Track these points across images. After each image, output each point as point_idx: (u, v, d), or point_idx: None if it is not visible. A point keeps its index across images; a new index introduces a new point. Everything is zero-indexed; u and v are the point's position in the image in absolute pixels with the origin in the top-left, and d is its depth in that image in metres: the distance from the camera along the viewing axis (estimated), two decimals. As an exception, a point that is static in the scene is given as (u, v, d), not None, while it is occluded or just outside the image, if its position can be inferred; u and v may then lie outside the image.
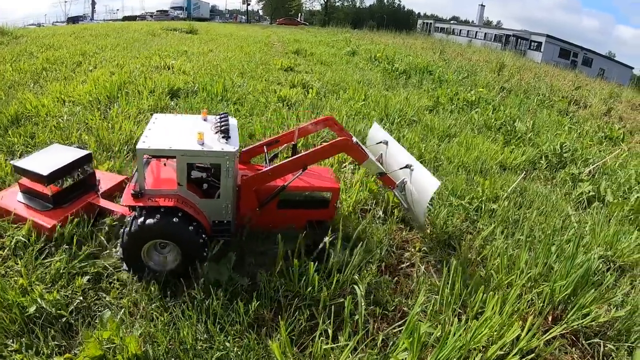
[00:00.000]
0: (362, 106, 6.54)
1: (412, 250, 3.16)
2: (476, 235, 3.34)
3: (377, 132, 3.48)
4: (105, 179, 3.36)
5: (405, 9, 68.34)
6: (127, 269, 2.56)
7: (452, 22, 50.22)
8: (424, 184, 2.82)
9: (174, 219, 2.40)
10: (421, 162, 3.24)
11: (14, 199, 2.96)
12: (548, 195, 4.38)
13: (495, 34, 45.79)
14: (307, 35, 22.12)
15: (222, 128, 2.57)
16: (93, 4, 49.76)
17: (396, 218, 3.41)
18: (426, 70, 10.91)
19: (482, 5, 54.42)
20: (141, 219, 2.39)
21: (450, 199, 3.78)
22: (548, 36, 43.07)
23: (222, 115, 2.76)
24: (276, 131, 4.60)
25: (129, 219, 2.48)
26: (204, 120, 2.78)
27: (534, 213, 3.85)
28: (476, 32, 46.58)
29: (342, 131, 3.19)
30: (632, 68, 43.77)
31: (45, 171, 2.79)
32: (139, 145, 2.37)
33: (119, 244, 2.54)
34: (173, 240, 2.48)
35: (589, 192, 4.82)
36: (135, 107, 5.29)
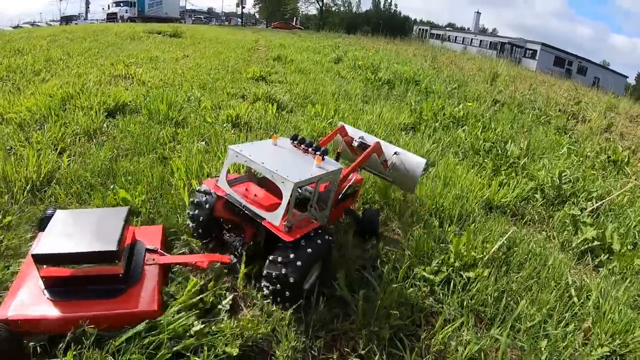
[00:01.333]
0: (329, 124, 5.54)
1: (343, 351, 2.15)
2: (437, 328, 2.33)
3: (349, 131, 3.43)
4: (141, 233, 2.48)
5: (402, 15, 67.67)
6: (289, 306, 2.15)
7: (447, 28, 49.56)
8: (412, 164, 3.21)
9: (327, 237, 2.26)
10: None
11: (40, 299, 1.90)
12: (542, 251, 3.39)
13: (491, 42, 45.18)
14: (296, 40, 21.17)
15: (315, 148, 2.51)
16: (87, 3, 48.47)
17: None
18: (412, 80, 9.95)
19: (478, 12, 53.82)
20: (307, 249, 2.11)
21: (412, 269, 2.78)
22: (543, 44, 42.44)
23: (298, 138, 2.61)
24: (202, 172, 3.62)
25: (233, 259, 2.34)
26: (275, 144, 2.55)
27: (522, 286, 2.86)
28: (471, 39, 45.99)
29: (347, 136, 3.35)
30: (627, 77, 43.22)
31: (109, 245, 1.94)
32: (294, 180, 2.06)
33: (269, 291, 2.15)
34: (328, 256, 2.35)
35: (593, 239, 3.85)
36: (59, 130, 4.22)
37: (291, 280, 2.02)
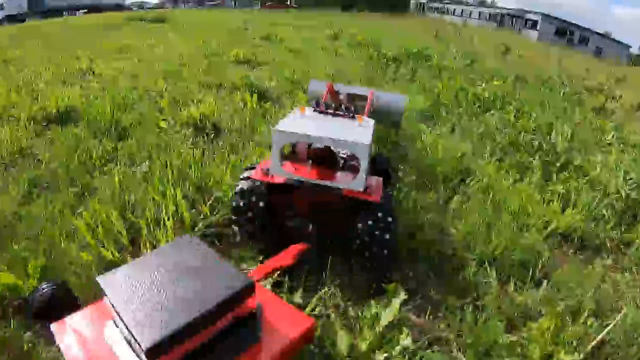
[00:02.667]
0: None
1: None
2: None
3: (319, 86, 3.31)
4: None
5: (397, -11, 64.83)
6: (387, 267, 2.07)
7: (446, 1, 47.05)
8: (394, 101, 3.34)
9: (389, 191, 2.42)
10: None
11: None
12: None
13: (490, 13, 43.11)
14: (288, 18, 19.43)
15: (343, 110, 2.40)
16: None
17: None
18: (422, 56, 8.49)
19: (476, -17, 51.24)
20: (389, 205, 2.03)
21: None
22: (544, 15, 40.38)
23: (320, 104, 2.44)
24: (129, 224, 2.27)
25: None
26: (304, 116, 2.31)
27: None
28: (471, 11, 43.89)
29: None
30: (630, 47, 41.18)
31: None
32: (366, 142, 1.88)
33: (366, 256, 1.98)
34: None
35: None
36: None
37: (387, 237, 1.94)
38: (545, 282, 2.26)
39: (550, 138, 4.59)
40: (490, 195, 3.02)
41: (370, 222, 1.91)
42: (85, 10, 27.68)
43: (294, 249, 1.96)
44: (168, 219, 2.02)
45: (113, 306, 1.17)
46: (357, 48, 9.60)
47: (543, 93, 6.98)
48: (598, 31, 42.54)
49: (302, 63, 7.19)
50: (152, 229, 2.02)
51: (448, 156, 3.46)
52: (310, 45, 9.66)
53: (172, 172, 2.50)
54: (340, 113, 2.37)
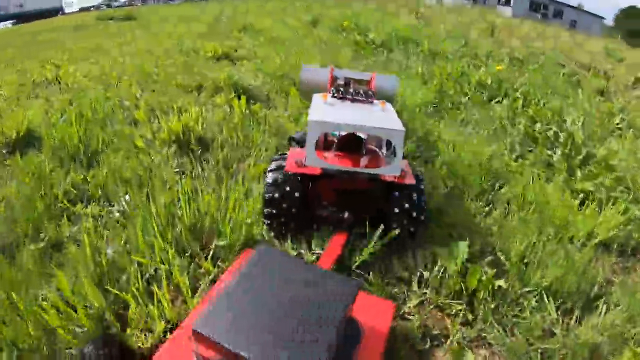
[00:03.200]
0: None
1: None
2: None
3: (312, 72, 3.11)
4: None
5: (370, -30, 63.53)
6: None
7: (419, -20, 46.20)
8: (387, 82, 3.06)
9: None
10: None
11: None
12: None
13: (465, -9, 42.60)
14: (264, 5, 18.54)
15: (362, 94, 2.44)
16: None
17: None
18: (411, 41, 8.01)
19: (449, -40, 50.46)
20: (422, 185, 2.11)
21: None
22: (517, -10, 40.08)
23: (339, 89, 2.45)
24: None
25: None
26: (326, 102, 2.31)
27: None
28: (445, -11, 43.24)
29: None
30: (604, 18, 41.57)
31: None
32: (402, 128, 1.96)
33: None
34: None
35: None
36: None
37: (422, 218, 2.02)
38: (604, 306, 1.92)
39: (565, 126, 4.24)
40: (530, 206, 2.63)
41: (406, 205, 1.97)
42: (14, 21, 24.48)
43: (339, 239, 1.95)
44: (161, 289, 1.54)
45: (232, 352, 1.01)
46: (341, 33, 9.04)
47: (544, 75, 6.63)
48: (571, 4, 42.65)
49: (287, 54, 6.63)
50: (141, 301, 1.54)
51: (474, 159, 3.05)
52: (291, 33, 9.04)
53: (157, 211, 2.00)
54: (360, 99, 2.36)
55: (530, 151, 3.85)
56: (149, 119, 3.61)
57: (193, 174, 2.66)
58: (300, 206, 1.98)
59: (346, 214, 2.07)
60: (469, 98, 4.80)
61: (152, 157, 2.78)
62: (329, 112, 2.04)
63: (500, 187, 2.90)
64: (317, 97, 2.30)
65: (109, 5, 31.10)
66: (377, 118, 2.07)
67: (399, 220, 1.97)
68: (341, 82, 2.97)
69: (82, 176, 2.55)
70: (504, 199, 2.73)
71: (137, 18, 14.42)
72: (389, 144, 2.30)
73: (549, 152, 3.78)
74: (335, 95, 2.35)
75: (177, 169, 2.67)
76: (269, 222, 2.02)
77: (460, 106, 4.64)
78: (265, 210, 1.99)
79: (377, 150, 2.32)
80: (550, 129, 4.14)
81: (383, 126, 1.91)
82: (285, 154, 2.10)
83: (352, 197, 2.09)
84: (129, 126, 3.43)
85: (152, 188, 2.34)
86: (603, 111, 5.32)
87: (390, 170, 1.95)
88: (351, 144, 2.10)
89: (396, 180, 1.93)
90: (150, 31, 10.22)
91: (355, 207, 2.08)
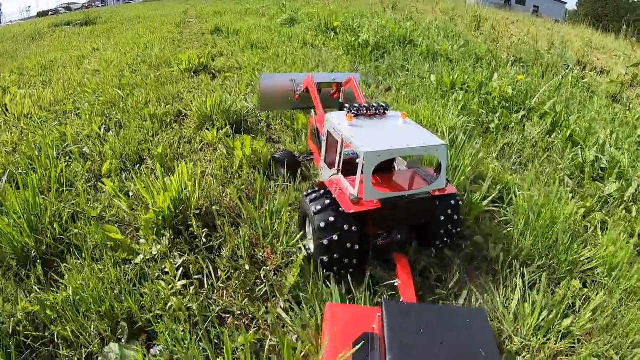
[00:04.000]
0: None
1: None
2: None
3: (274, 79, 3.01)
4: None
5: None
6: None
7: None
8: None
9: None
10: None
11: None
12: None
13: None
14: (230, 4, 17.31)
15: (377, 108, 2.27)
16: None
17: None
18: (407, 41, 7.28)
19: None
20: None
21: None
22: (480, -23, 40.16)
23: (357, 108, 2.25)
24: None
25: None
26: (354, 124, 2.12)
27: None
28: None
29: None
30: (565, 2, 42.41)
31: None
32: (444, 142, 2.01)
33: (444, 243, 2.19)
34: None
35: None
36: None
37: (462, 218, 2.13)
38: None
39: (605, 149, 3.66)
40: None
41: (449, 211, 2.06)
42: None
43: (403, 264, 1.92)
44: None
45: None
46: (326, 34, 8.19)
47: (549, 77, 6.09)
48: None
49: (275, 63, 5.75)
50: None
51: (551, 217, 2.37)
52: (271, 35, 8.12)
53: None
54: (377, 112, 2.25)
55: (580, 185, 3.26)
56: (119, 176, 2.70)
57: (206, 284, 1.83)
58: (360, 242, 1.86)
59: (398, 236, 2.07)
60: (496, 117, 4.13)
61: (139, 260, 1.91)
62: (374, 139, 1.91)
63: (582, 248, 2.25)
64: (341, 119, 2.09)
65: (68, 9, 28.69)
66: (418, 136, 2.01)
67: (444, 226, 2.05)
68: (302, 87, 2.86)
69: (37, 306, 1.65)
70: (601, 275, 2.08)
71: (96, 22, 12.97)
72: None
73: (600, 186, 3.19)
74: (355, 112, 2.17)
75: (179, 294, 1.79)
76: (330, 268, 1.83)
77: (492, 127, 3.97)
78: (323, 257, 1.80)
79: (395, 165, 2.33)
80: (598, 158, 3.56)
81: (430, 143, 1.91)
82: (319, 189, 2.00)
83: (398, 217, 1.99)
84: (95, 196, 2.52)
85: (152, 328, 1.50)
86: (622, 121, 4.81)
87: (439, 184, 1.98)
88: (383, 164, 1.98)
89: (443, 192, 1.98)
90: (113, 38, 8.98)
91: (403, 226, 2.09)
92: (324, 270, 1.82)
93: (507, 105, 4.52)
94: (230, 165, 2.92)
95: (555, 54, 7.50)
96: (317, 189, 2.02)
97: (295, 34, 8.20)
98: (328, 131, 2.16)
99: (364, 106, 2.21)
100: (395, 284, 1.82)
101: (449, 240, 2.12)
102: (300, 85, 2.90)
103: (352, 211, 1.77)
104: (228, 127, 3.50)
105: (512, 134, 3.93)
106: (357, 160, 1.84)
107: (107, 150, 3.07)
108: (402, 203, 1.91)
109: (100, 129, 3.57)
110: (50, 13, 29.79)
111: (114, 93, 4.48)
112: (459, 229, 2.11)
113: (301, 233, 2.07)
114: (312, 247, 1.97)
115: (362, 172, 1.77)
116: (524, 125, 4.16)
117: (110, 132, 3.57)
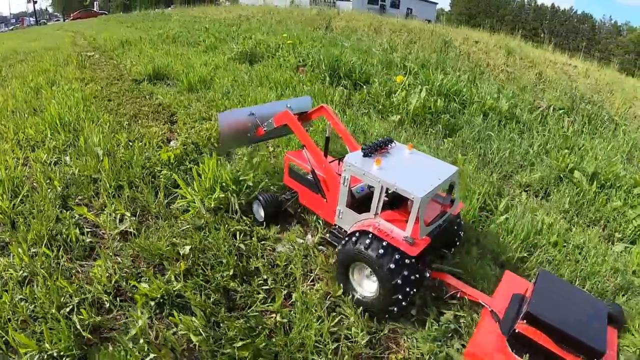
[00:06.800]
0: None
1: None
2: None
3: (231, 116, 2.94)
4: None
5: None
6: None
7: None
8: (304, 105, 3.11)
9: None
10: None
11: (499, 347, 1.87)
12: None
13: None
14: (124, 29, 14.74)
15: (384, 142, 2.44)
16: None
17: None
18: (391, 66, 6.55)
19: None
20: None
21: None
22: (349, -16, 40.81)
23: (371, 148, 2.38)
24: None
25: None
26: (381, 167, 2.21)
27: None
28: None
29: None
30: (436, 3, 46.19)
31: (599, 344, 1.73)
32: (456, 167, 2.29)
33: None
34: None
35: None
36: None
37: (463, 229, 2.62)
38: None
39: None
40: None
41: (462, 222, 2.53)
42: None
43: (449, 276, 2.24)
44: None
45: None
46: (289, 69, 6.94)
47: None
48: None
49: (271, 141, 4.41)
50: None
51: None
52: (233, 76, 6.62)
53: None
54: (386, 147, 2.37)
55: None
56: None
57: None
58: (421, 277, 2.06)
59: (429, 257, 2.25)
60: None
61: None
62: (413, 181, 2.02)
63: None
64: (367, 165, 2.16)
65: None
66: (436, 166, 2.19)
67: (460, 238, 2.49)
68: (257, 118, 2.90)
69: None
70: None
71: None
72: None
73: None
74: (368, 151, 2.26)
75: None
76: (400, 304, 2.00)
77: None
78: (396, 297, 1.97)
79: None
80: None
81: (452, 172, 2.14)
82: (363, 235, 2.07)
83: (438, 242, 2.19)
84: None
85: None
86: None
87: (457, 205, 2.31)
88: (399, 198, 2.10)
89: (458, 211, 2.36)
90: None
91: (440, 248, 2.41)
92: (395, 309, 2.00)
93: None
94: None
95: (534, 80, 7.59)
96: (358, 235, 2.08)
97: (275, 77, 6.22)
98: (351, 176, 2.23)
99: (375, 146, 2.30)
100: (458, 295, 2.13)
101: (458, 244, 2.51)
102: (271, 121, 2.85)
103: (409, 253, 1.93)
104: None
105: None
106: (382, 197, 2.06)
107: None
108: (440, 230, 2.16)
109: None
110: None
111: (6, 203, 2.73)
112: (461, 233, 2.52)
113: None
114: (365, 292, 2.14)
115: (416, 215, 1.91)
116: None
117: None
